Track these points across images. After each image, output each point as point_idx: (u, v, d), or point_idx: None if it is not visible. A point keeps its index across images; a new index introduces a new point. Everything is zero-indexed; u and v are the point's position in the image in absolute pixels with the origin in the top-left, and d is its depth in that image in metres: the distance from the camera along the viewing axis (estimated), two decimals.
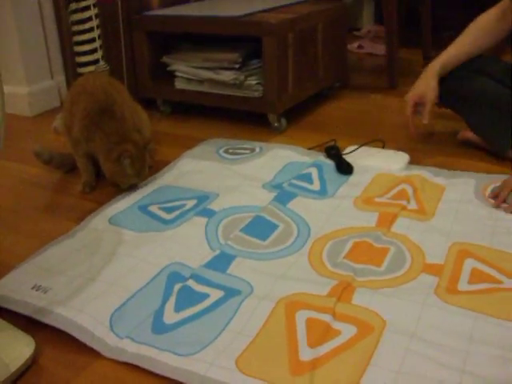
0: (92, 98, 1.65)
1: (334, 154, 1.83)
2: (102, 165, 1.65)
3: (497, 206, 1.48)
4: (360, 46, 3.48)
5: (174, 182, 1.73)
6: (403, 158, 1.80)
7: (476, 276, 1.22)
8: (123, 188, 1.67)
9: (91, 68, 2.17)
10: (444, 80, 1.82)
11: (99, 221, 1.52)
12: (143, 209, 1.57)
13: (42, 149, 1.81)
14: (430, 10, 3.00)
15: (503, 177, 1.60)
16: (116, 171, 1.63)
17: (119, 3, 2.26)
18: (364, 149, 1.88)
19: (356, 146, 1.88)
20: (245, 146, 1.99)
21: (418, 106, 1.81)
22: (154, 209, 1.57)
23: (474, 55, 1.81)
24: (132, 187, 1.68)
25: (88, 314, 1.13)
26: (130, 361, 1.03)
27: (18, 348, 1.04)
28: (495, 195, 1.52)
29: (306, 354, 1.01)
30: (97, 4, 2.15)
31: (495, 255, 1.30)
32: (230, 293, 1.19)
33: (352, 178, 1.71)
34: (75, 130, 1.66)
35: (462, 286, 1.20)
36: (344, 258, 1.30)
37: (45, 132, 2.29)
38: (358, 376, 0.96)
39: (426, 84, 1.78)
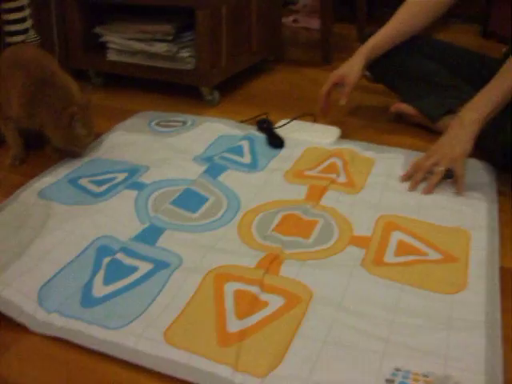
0: (28, 72, 1.60)
1: (266, 127, 1.85)
2: (52, 135, 1.62)
3: (412, 190, 1.50)
4: (295, 20, 3.49)
5: (104, 155, 1.72)
6: (334, 132, 1.83)
7: (402, 248, 1.26)
8: (80, 152, 1.67)
9: (21, 37, 2.12)
10: (379, 59, 1.85)
11: (28, 194, 1.49)
12: (73, 182, 1.56)
13: None
14: None
15: None
16: (70, 136, 1.61)
17: None
18: (295, 123, 1.90)
19: (288, 120, 1.89)
20: (177, 118, 1.98)
21: (339, 86, 1.85)
22: (84, 182, 1.56)
23: (403, 38, 1.85)
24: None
25: (16, 289, 1.12)
26: (59, 335, 1.03)
27: None
28: (409, 177, 1.54)
29: (234, 326, 1.03)
30: None
31: (421, 228, 1.33)
32: (159, 265, 1.20)
33: (283, 152, 1.73)
34: (14, 108, 1.61)
35: (389, 258, 1.23)
36: (273, 230, 1.32)
37: None
38: (285, 346, 0.99)
39: (350, 66, 1.82)
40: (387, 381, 0.92)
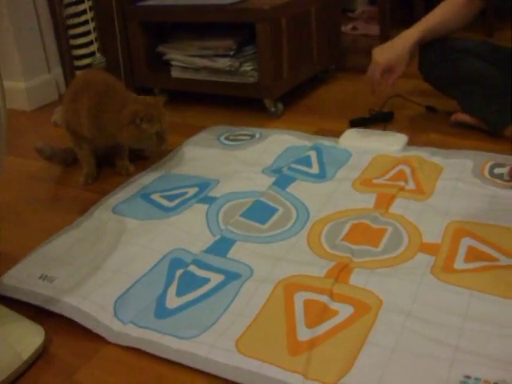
0: (94, 91, 1.67)
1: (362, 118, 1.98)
2: (121, 138, 1.64)
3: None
4: (354, 28, 3.47)
5: (175, 170, 1.76)
6: (401, 139, 1.81)
7: (472, 254, 1.24)
8: (152, 153, 1.71)
9: (88, 60, 2.19)
10: (432, 65, 1.83)
11: (103, 211, 1.55)
12: (146, 197, 1.60)
13: (44, 145, 1.84)
14: None
15: (500, 156, 1.63)
16: (136, 136, 1.62)
17: None
18: (362, 131, 1.90)
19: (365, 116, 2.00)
20: (245, 132, 2.01)
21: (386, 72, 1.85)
22: (156, 197, 1.60)
23: (451, 28, 1.84)
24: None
25: (93, 301, 1.16)
26: (134, 345, 1.07)
27: (28, 337, 1.08)
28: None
29: (304, 335, 1.04)
30: None
31: (492, 233, 1.31)
32: (231, 276, 1.22)
33: (351, 161, 1.73)
34: (84, 126, 1.67)
35: (459, 264, 1.21)
36: (342, 239, 1.33)
37: (44, 126, 2.31)
38: (354, 354, 0.99)
39: (401, 56, 1.81)
40: None
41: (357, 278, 1.18)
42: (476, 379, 0.92)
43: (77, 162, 1.82)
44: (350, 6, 3.92)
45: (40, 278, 1.27)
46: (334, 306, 1.11)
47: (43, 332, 1.09)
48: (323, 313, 1.09)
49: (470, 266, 1.21)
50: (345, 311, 1.09)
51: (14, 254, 1.39)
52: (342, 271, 1.20)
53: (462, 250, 1.26)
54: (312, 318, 1.08)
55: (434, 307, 1.09)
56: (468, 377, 0.93)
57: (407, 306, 1.09)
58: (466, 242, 1.29)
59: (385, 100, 2.09)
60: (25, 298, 1.21)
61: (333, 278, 1.18)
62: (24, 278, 1.27)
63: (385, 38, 2.61)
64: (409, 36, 1.81)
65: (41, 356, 1.08)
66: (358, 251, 1.27)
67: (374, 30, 3.22)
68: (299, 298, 1.14)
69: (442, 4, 1.82)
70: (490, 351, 0.97)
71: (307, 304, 1.12)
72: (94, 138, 1.70)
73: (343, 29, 3.28)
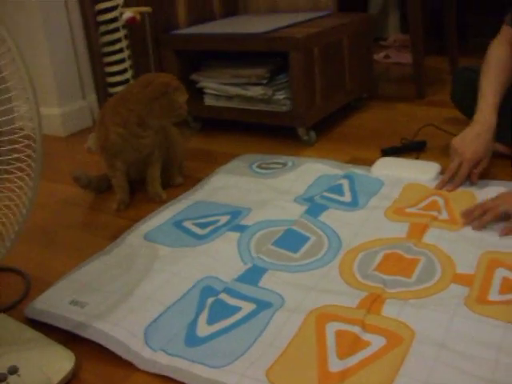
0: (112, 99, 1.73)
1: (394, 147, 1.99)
2: (151, 117, 1.68)
3: (467, 224, 1.48)
4: (386, 56, 3.49)
5: (207, 198, 1.76)
6: (434, 168, 1.80)
7: (507, 286, 1.22)
8: (181, 119, 1.73)
9: (122, 88, 2.22)
10: (464, 94, 1.81)
11: (134, 237, 1.55)
12: (177, 225, 1.61)
13: (81, 173, 1.86)
14: (455, 17, 2.99)
15: None
16: (168, 106, 1.66)
17: (147, 23, 2.31)
18: (395, 159, 1.90)
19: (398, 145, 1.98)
20: (277, 160, 2.02)
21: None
22: (188, 224, 1.60)
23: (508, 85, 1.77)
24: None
25: (123, 328, 1.16)
26: (164, 372, 1.06)
27: (58, 362, 1.08)
28: (467, 212, 1.51)
29: (336, 366, 1.03)
30: (125, 25, 2.21)
31: None
32: (262, 305, 1.21)
33: (383, 189, 1.72)
34: (110, 138, 1.69)
35: (493, 296, 1.19)
36: (374, 269, 1.32)
37: (78, 152, 2.34)
38: None
39: (489, 147, 1.70)
40: None
41: (389, 309, 1.17)
42: None
43: (110, 189, 1.84)
44: (382, 34, 3.94)
45: (71, 303, 1.27)
46: (366, 337, 1.09)
47: (73, 357, 1.10)
48: (355, 344, 1.08)
49: (505, 297, 1.18)
50: (377, 342, 1.08)
51: (46, 278, 1.40)
52: (374, 302, 1.19)
53: (496, 281, 1.24)
54: (344, 349, 1.06)
55: (467, 339, 1.07)
56: None
57: (440, 338, 1.08)
58: (500, 273, 1.27)
59: (417, 129, 2.08)
60: (56, 323, 1.21)
61: (365, 308, 1.17)
62: (55, 303, 1.28)
63: (417, 65, 2.61)
64: (490, 121, 1.70)
65: (70, 381, 1.08)
66: (391, 281, 1.26)
67: (407, 58, 3.23)
68: (331, 329, 1.12)
69: (493, 62, 1.75)
70: None
71: (339, 335, 1.11)
72: (123, 148, 1.71)
73: (375, 57, 3.29)
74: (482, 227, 1.44)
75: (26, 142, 0.97)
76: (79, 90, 2.64)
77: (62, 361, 1.08)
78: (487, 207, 1.46)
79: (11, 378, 1.02)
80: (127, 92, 1.70)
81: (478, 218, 1.46)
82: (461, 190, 1.67)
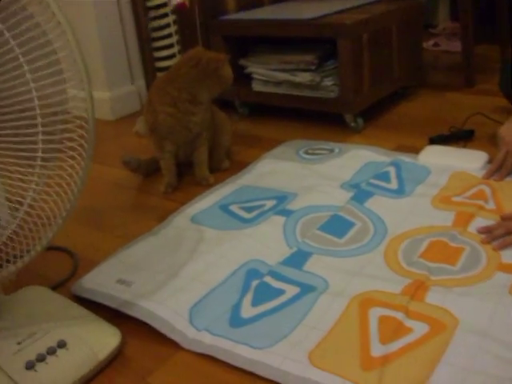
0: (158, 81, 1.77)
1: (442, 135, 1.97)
2: (202, 93, 1.72)
3: (486, 243, 1.35)
4: (436, 44, 3.43)
5: (254, 183, 1.78)
6: (482, 157, 1.78)
7: None
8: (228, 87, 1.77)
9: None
10: None
11: (181, 219, 1.58)
12: (224, 208, 1.62)
13: (131, 158, 1.89)
14: (509, 5, 2.92)
15: None
16: (220, 81, 1.72)
17: (196, 9, 2.32)
18: (442, 148, 1.88)
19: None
20: (324, 146, 2.01)
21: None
22: (234, 208, 1.62)
23: None
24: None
25: (168, 307, 1.19)
26: (208, 352, 1.08)
27: (105, 338, 1.11)
28: (488, 230, 1.39)
29: (378, 350, 1.03)
30: (175, 11, 2.23)
31: None
32: (306, 289, 1.22)
33: (430, 177, 1.71)
34: (159, 118, 1.72)
35: None
36: (419, 256, 1.31)
37: (126, 135, 2.38)
38: (428, 373, 0.98)
39: None
40: None
41: (433, 296, 1.16)
42: None
43: (158, 172, 1.87)
44: (432, 22, 3.88)
45: (118, 282, 1.30)
46: (409, 323, 1.09)
47: (119, 334, 1.12)
48: (398, 330, 1.08)
49: None
50: (420, 329, 1.08)
51: (94, 257, 1.44)
52: (418, 289, 1.19)
53: None
54: (386, 335, 1.07)
55: (511, 329, 1.06)
56: None
57: (484, 327, 1.07)
58: None
59: (466, 118, 2.05)
60: (102, 301, 1.24)
61: (409, 295, 1.17)
62: (102, 282, 1.31)
63: (467, 54, 2.57)
64: None
65: (116, 357, 1.11)
66: (435, 269, 1.25)
67: (456, 46, 3.18)
68: (374, 314, 1.13)
69: None
70: None
71: (382, 320, 1.11)
72: (172, 128, 1.73)
73: (425, 45, 3.24)
74: (503, 249, 1.32)
75: (78, 122, 1.00)
76: (128, 74, 2.68)
77: (109, 337, 1.11)
78: (510, 228, 1.35)
79: (60, 352, 1.05)
80: (174, 72, 1.72)
81: (500, 237, 1.35)
82: (508, 179, 1.64)
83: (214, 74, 1.69)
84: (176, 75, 1.70)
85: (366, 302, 1.17)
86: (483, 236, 1.37)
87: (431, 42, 3.44)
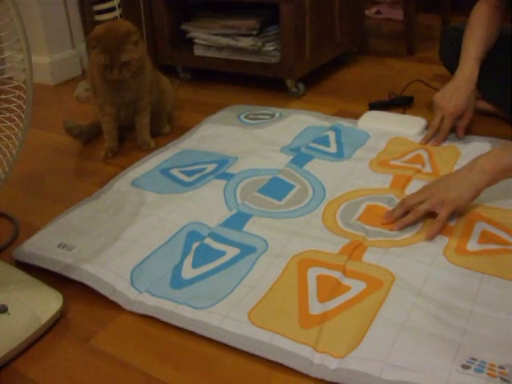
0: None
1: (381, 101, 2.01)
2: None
3: (386, 223, 1.33)
4: (378, 12, 3.45)
5: (195, 147, 1.77)
6: (420, 122, 1.81)
7: (485, 237, 1.25)
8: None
9: None
10: (453, 51, 1.81)
11: (122, 183, 1.57)
12: (165, 172, 1.62)
13: (73, 124, 1.87)
14: None
15: None
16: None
17: None
18: (381, 113, 1.91)
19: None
20: (265, 111, 2.02)
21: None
22: (175, 172, 1.62)
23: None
24: None
25: (110, 270, 1.19)
26: (149, 313, 1.09)
27: (47, 302, 1.11)
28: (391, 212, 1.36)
29: (316, 309, 1.06)
30: None
31: (508, 218, 1.31)
32: (246, 250, 1.24)
33: (368, 142, 1.74)
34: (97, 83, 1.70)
35: (471, 246, 1.22)
36: (357, 219, 1.34)
37: (67, 100, 2.34)
38: (364, 329, 1.01)
39: (470, 100, 1.70)
40: (463, 366, 0.92)
41: (370, 256, 1.20)
42: (482, 362, 0.93)
43: (100, 137, 1.84)
44: None
45: (59, 246, 1.29)
46: (347, 281, 1.13)
47: (61, 298, 1.12)
48: (336, 288, 1.11)
49: (482, 247, 1.21)
50: (357, 287, 1.11)
51: (34, 222, 1.43)
52: (355, 249, 1.22)
53: (475, 234, 1.26)
54: (324, 293, 1.09)
55: (444, 288, 1.10)
56: (474, 359, 0.94)
57: (418, 285, 1.11)
58: (480, 226, 1.29)
59: (406, 85, 2.09)
60: (44, 265, 1.24)
61: (346, 254, 1.20)
62: (43, 246, 1.30)
63: (409, 22, 2.60)
64: (471, 75, 1.71)
65: (58, 321, 1.11)
66: (373, 232, 1.29)
67: (398, 14, 3.21)
68: (312, 273, 1.15)
69: (476, 20, 1.75)
70: (498, 337, 0.98)
71: (320, 279, 1.14)
72: (108, 88, 1.72)
73: (367, 12, 3.26)
74: (403, 228, 1.30)
75: (16, 82, 0.98)
76: (68, 38, 2.62)
77: (51, 301, 1.11)
78: (409, 206, 1.32)
79: (1, 316, 1.05)
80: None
81: (400, 217, 1.32)
82: (445, 144, 1.68)
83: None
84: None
85: (304, 261, 1.19)
86: (384, 220, 1.34)
87: (374, 10, 3.46)
